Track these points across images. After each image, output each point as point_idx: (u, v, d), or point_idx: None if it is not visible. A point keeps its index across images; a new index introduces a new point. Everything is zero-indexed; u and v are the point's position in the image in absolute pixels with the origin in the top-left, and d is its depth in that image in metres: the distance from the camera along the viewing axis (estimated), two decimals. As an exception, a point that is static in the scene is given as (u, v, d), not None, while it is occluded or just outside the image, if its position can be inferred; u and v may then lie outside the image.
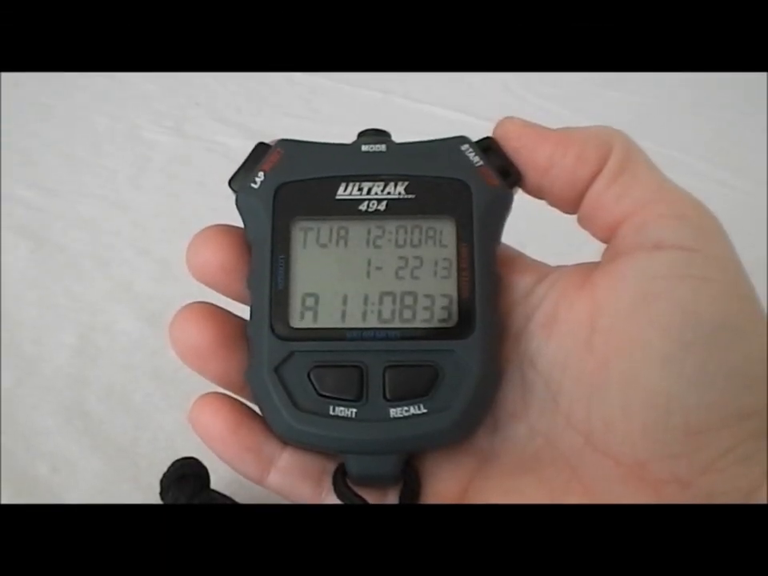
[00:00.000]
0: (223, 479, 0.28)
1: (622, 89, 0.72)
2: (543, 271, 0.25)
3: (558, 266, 0.25)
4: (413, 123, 0.67)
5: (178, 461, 0.27)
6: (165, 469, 0.28)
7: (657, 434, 0.21)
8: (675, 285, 0.21)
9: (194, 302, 0.24)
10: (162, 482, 0.27)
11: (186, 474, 0.26)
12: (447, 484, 0.23)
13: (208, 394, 0.24)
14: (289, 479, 0.24)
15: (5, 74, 0.67)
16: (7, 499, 0.32)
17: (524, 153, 0.24)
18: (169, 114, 0.67)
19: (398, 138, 0.26)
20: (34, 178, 0.56)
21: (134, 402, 0.38)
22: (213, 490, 0.27)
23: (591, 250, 0.24)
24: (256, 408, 0.24)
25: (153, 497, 0.28)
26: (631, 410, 0.21)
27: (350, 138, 0.25)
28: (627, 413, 0.21)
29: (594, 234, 0.24)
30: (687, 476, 0.20)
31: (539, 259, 0.25)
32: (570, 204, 0.24)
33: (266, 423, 0.24)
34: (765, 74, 0.71)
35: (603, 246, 0.24)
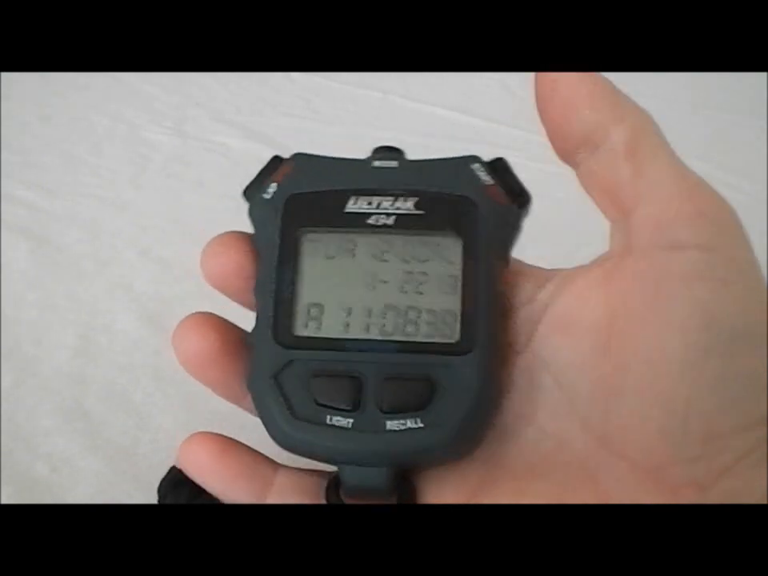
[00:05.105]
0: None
1: (622, 89, 0.72)
2: (543, 275, 0.24)
3: (556, 269, 0.24)
4: (413, 123, 0.67)
5: (174, 467, 0.27)
6: (165, 469, 0.28)
7: (675, 438, 0.20)
8: (694, 287, 0.20)
9: (197, 312, 0.24)
10: (158, 490, 0.27)
11: (183, 481, 0.26)
12: (452, 491, 0.23)
13: (192, 434, 0.24)
14: (287, 500, 0.24)
15: (5, 74, 0.67)
16: (7, 499, 0.32)
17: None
18: (169, 114, 0.67)
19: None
20: (34, 178, 0.56)
21: (133, 402, 0.38)
22: None
23: (588, 252, 0.24)
24: (256, 421, 0.24)
25: (153, 497, 0.28)
26: (648, 414, 0.21)
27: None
28: (644, 417, 0.21)
29: (598, 203, 0.23)
30: (706, 480, 0.20)
31: (538, 260, 0.25)
32: (561, 141, 0.23)
33: (254, 452, 0.24)
34: (765, 73, 0.71)
35: (599, 250, 0.24)
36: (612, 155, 0.22)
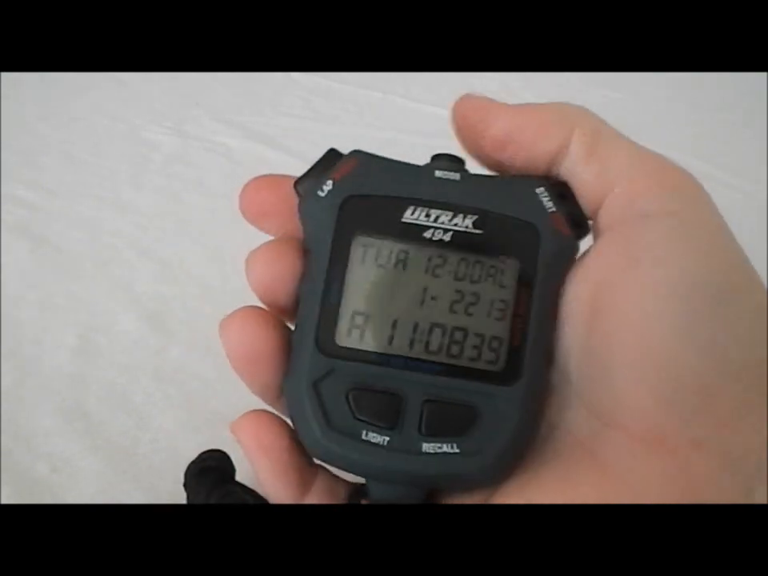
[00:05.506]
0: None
1: (622, 89, 0.72)
2: None
3: None
4: (413, 123, 0.67)
5: (203, 452, 0.26)
6: (165, 469, 0.28)
7: (667, 395, 0.21)
8: (668, 250, 0.21)
9: (252, 306, 0.24)
10: (185, 474, 0.26)
11: (207, 468, 0.26)
12: (469, 494, 0.23)
13: (255, 410, 0.24)
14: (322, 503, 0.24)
15: (5, 74, 0.68)
16: (7, 499, 0.32)
17: (481, 127, 0.24)
18: (169, 114, 0.67)
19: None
20: (34, 178, 0.56)
21: (134, 402, 0.38)
22: (237, 483, 0.26)
23: (584, 245, 0.24)
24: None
25: (153, 497, 0.28)
26: (639, 376, 0.21)
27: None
28: (636, 380, 0.21)
29: None
30: (703, 436, 0.20)
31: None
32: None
33: (304, 450, 0.23)
34: (765, 73, 0.71)
35: (586, 244, 0.24)
36: (575, 163, 0.23)
